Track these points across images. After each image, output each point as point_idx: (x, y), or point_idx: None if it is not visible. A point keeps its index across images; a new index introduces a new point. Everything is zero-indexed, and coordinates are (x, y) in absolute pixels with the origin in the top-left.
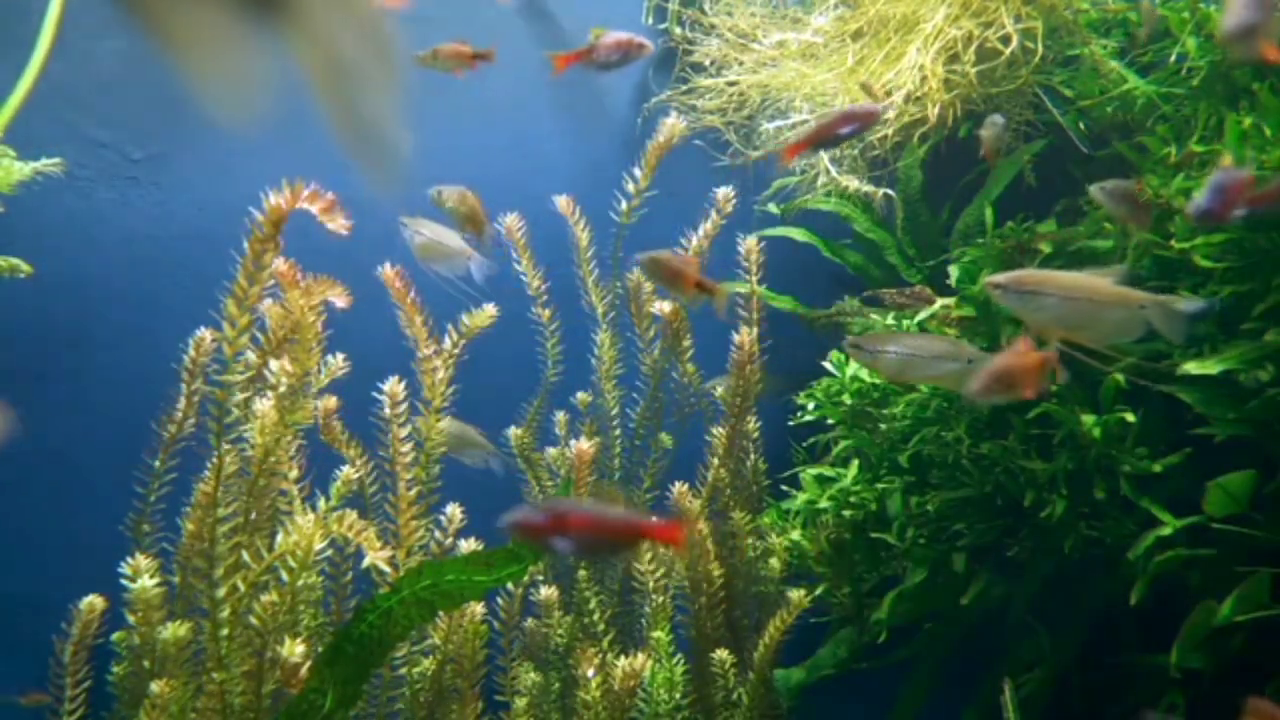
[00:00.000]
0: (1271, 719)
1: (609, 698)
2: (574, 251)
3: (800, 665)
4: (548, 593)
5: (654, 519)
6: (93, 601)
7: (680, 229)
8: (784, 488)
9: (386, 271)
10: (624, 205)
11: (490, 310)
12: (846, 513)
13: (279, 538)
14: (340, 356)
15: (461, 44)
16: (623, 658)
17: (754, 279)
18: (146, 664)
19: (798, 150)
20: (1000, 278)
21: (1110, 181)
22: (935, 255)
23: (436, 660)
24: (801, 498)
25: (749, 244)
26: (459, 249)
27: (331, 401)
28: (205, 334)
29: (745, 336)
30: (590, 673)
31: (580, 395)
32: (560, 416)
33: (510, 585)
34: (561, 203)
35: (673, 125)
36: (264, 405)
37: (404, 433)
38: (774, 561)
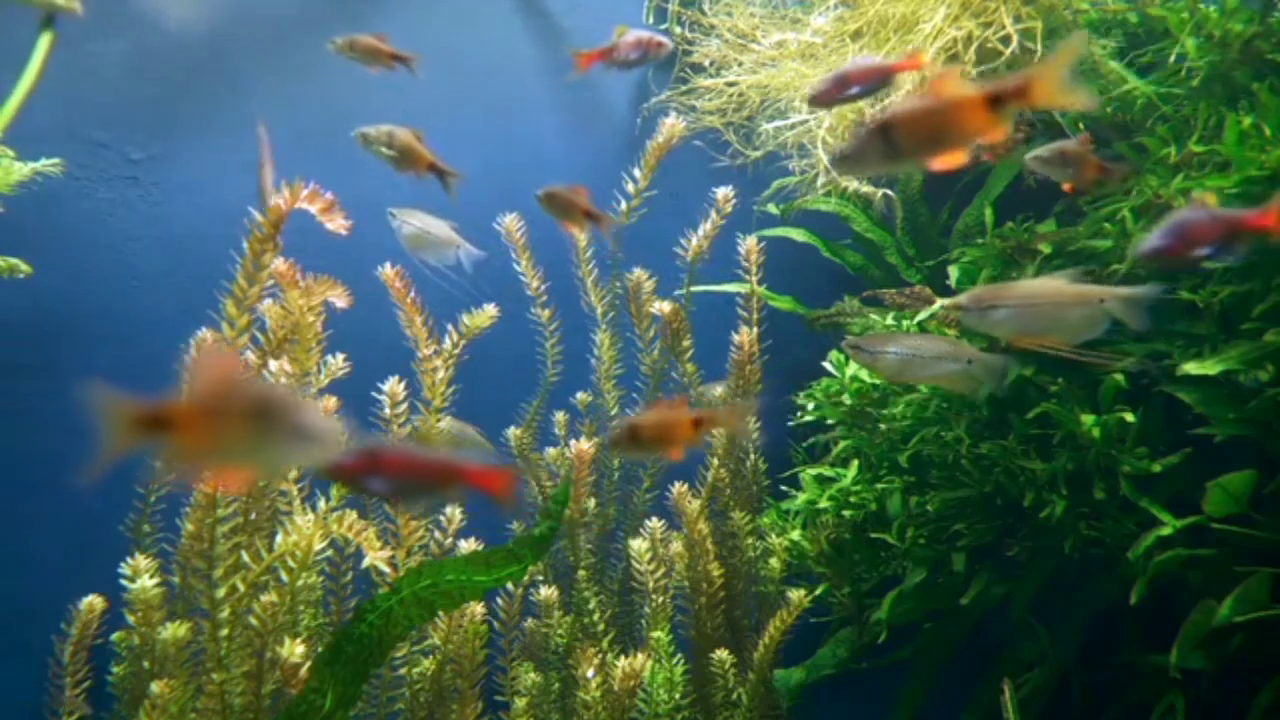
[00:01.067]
0: None
1: (609, 698)
2: (573, 252)
3: (800, 665)
4: (548, 593)
5: (479, 464)
6: (92, 602)
7: (680, 229)
8: (784, 488)
9: (386, 271)
10: (624, 205)
11: (490, 310)
12: (846, 513)
13: (279, 538)
14: (340, 356)
15: (380, 39)
16: (623, 658)
17: (754, 279)
18: (146, 664)
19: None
20: (959, 299)
21: (1044, 147)
22: (935, 255)
23: (436, 660)
24: (801, 498)
25: (749, 244)
26: (448, 238)
27: (331, 401)
28: (206, 334)
29: (745, 336)
30: (590, 673)
31: (580, 395)
32: (560, 416)
33: (510, 585)
34: None
35: (672, 125)
36: None
37: (404, 432)
38: (774, 561)
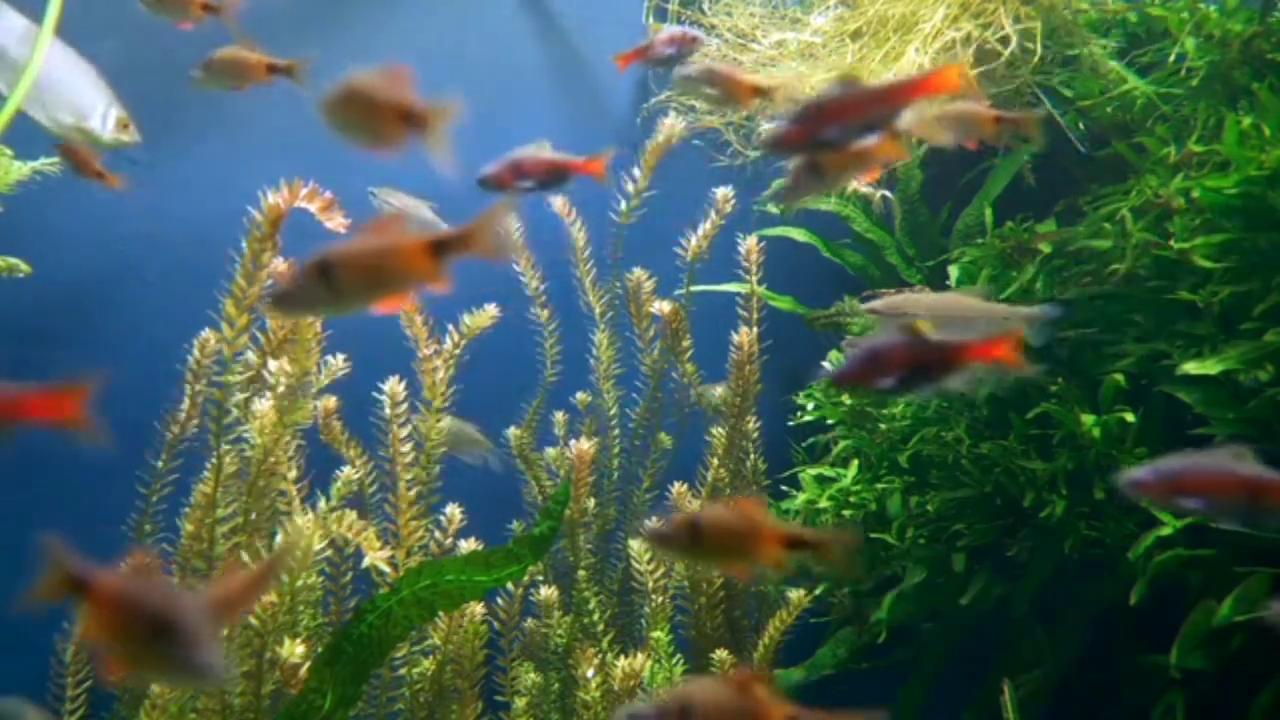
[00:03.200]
0: None
1: (609, 698)
2: (572, 252)
3: (800, 665)
4: (547, 593)
5: None
6: None
7: (679, 228)
8: (784, 488)
9: None
10: (623, 205)
11: (491, 311)
12: (846, 513)
13: (278, 538)
14: (340, 357)
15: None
16: (622, 658)
17: (754, 279)
18: None
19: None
20: (876, 303)
21: (693, 65)
22: (935, 255)
23: (436, 660)
24: (801, 498)
25: (749, 244)
26: (429, 220)
27: (331, 401)
28: (209, 335)
29: (745, 336)
30: (590, 673)
31: (579, 395)
32: (559, 416)
33: (510, 585)
34: (558, 203)
35: (672, 125)
36: (263, 405)
37: (404, 433)
38: None
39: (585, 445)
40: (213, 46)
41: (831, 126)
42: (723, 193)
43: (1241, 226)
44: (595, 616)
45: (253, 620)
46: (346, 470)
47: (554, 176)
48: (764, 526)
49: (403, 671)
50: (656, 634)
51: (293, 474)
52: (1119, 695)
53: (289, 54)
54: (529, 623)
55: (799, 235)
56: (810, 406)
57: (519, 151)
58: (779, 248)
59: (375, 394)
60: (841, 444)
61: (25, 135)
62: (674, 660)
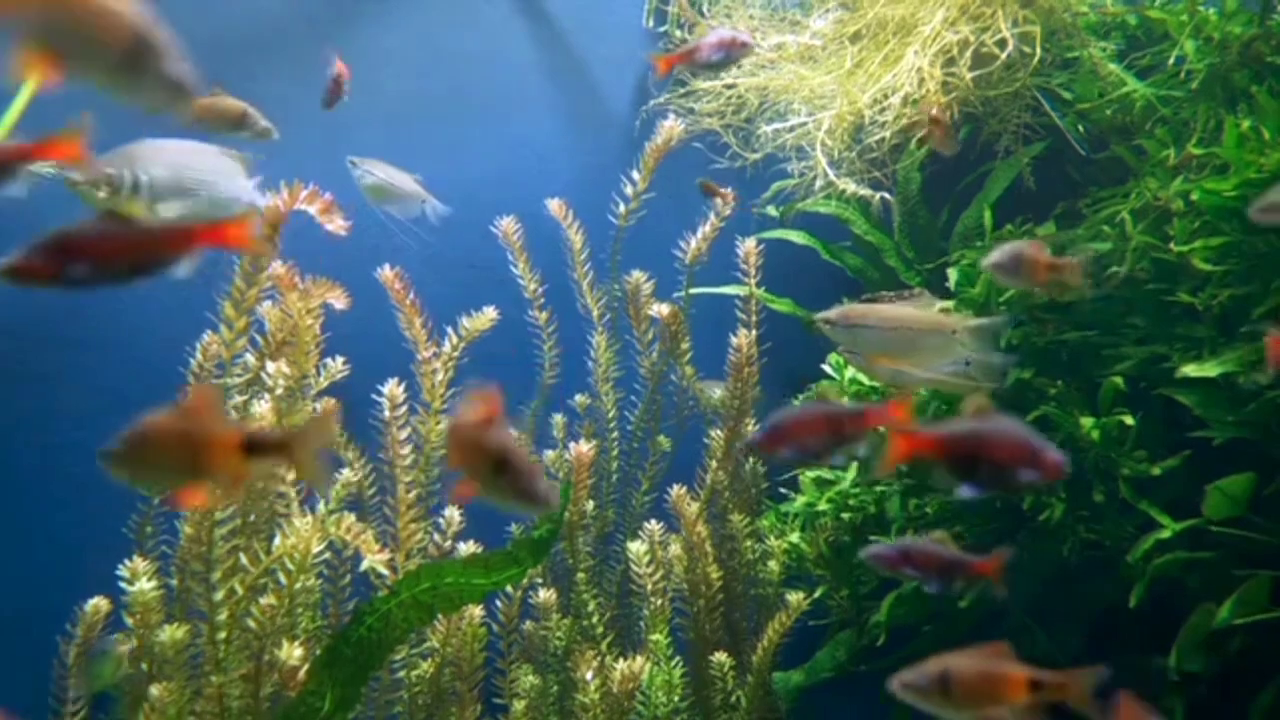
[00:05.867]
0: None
1: (607, 700)
2: (568, 254)
3: (799, 668)
4: (546, 595)
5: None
6: (97, 604)
7: (679, 231)
8: (783, 490)
9: (386, 273)
10: (622, 208)
11: (490, 313)
12: (845, 515)
13: (277, 540)
14: (339, 359)
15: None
16: (621, 660)
17: (753, 281)
18: (145, 666)
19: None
20: (829, 313)
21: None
22: (934, 258)
23: (435, 663)
24: (800, 500)
25: (748, 246)
26: (412, 191)
27: (330, 404)
28: (211, 339)
29: (743, 339)
30: (589, 675)
31: (578, 398)
32: (558, 419)
33: (509, 588)
34: (554, 205)
35: (671, 128)
36: (262, 407)
37: (403, 435)
38: (773, 564)
39: (584, 448)
40: (210, 47)
41: (792, 444)
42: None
43: (1241, 229)
44: (594, 619)
45: (251, 623)
46: (345, 473)
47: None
48: (1010, 676)
49: (401, 674)
50: (655, 636)
51: (291, 476)
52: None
53: (289, 56)
54: (528, 625)
55: (798, 238)
56: None
57: None
58: (778, 250)
59: (374, 396)
60: None
61: (24, 135)
62: (673, 663)
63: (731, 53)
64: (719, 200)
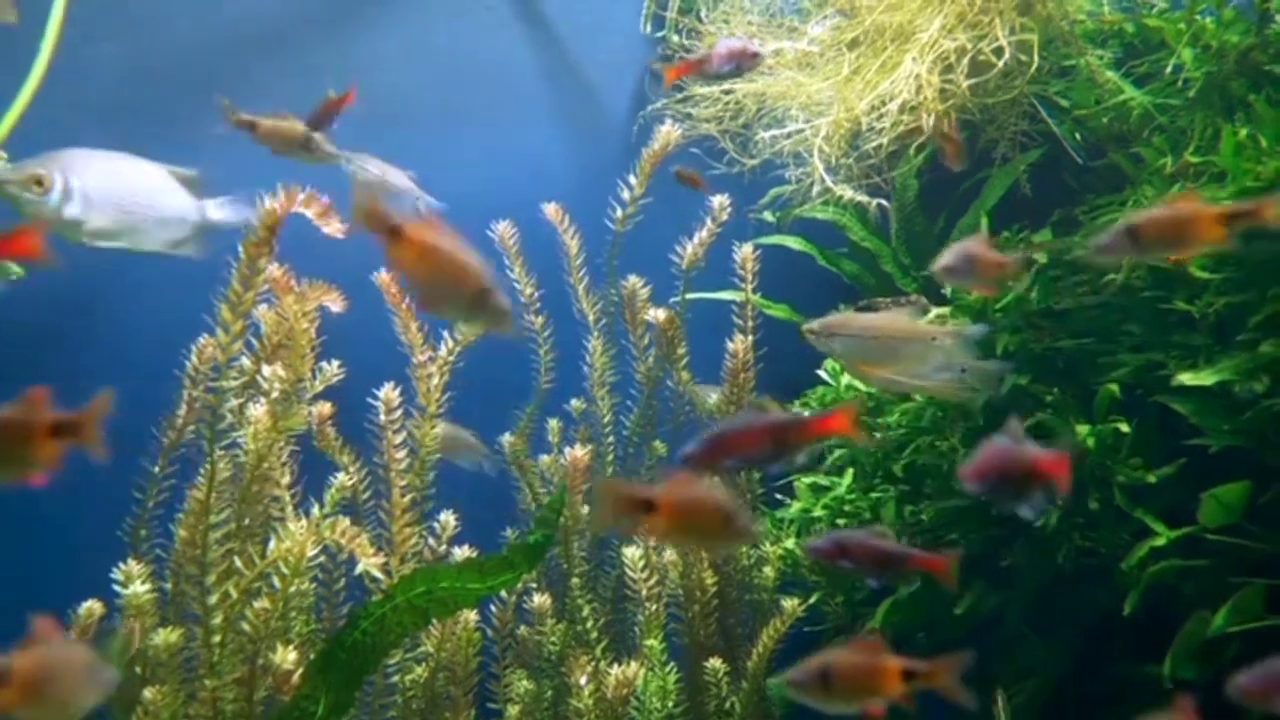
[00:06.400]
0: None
1: (602, 706)
2: (564, 259)
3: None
4: (541, 600)
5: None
6: (91, 607)
7: (676, 236)
8: (778, 496)
9: (382, 277)
10: (619, 213)
11: None
12: (841, 521)
13: (272, 544)
14: (335, 363)
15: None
16: (616, 665)
17: (749, 287)
18: (138, 670)
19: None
20: (812, 324)
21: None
22: (931, 264)
23: (430, 668)
24: (796, 506)
25: (744, 252)
26: (405, 187)
27: (325, 407)
28: (207, 342)
29: (740, 344)
30: (583, 680)
31: (574, 402)
32: (553, 424)
33: (504, 593)
34: (550, 210)
35: (668, 133)
36: (257, 411)
37: (399, 439)
38: (768, 570)
39: (579, 452)
40: (210, 49)
41: (733, 455)
42: (718, 201)
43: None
44: (589, 624)
45: (246, 626)
46: (340, 476)
47: None
48: (881, 665)
49: (396, 678)
50: (650, 642)
51: (286, 480)
52: (1113, 705)
53: (289, 59)
54: (522, 630)
55: (795, 244)
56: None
57: None
58: (775, 256)
59: (370, 400)
60: (836, 452)
61: (23, 136)
62: (667, 668)
63: (742, 64)
64: (695, 187)
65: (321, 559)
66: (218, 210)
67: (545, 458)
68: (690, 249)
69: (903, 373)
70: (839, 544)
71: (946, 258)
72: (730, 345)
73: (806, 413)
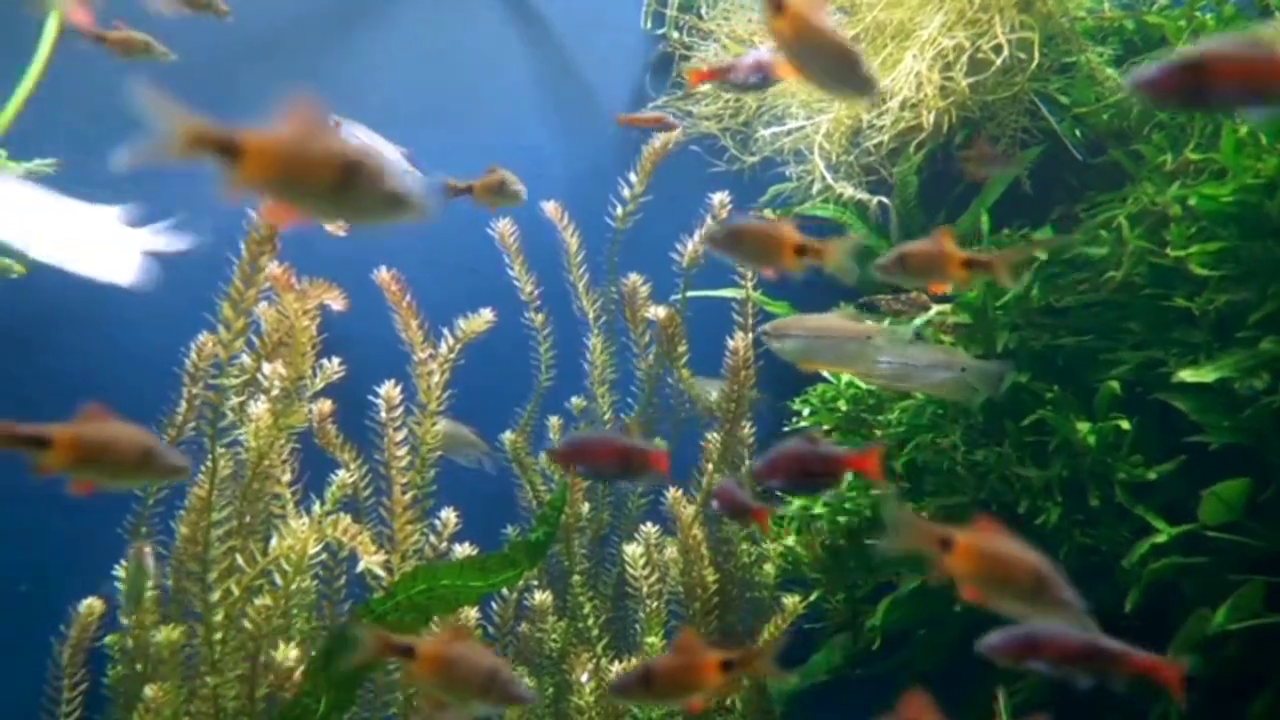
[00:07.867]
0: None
1: (603, 703)
2: (564, 257)
3: (794, 671)
4: (542, 598)
5: None
6: (91, 604)
7: (676, 234)
8: (778, 493)
9: (383, 275)
10: (619, 210)
11: (487, 315)
12: (841, 519)
13: (273, 541)
14: (335, 360)
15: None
16: (616, 663)
17: (749, 284)
18: (140, 667)
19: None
20: (766, 326)
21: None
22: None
23: None
24: (796, 504)
25: None
26: (395, 158)
27: (326, 405)
28: (207, 339)
29: (740, 342)
30: (584, 678)
31: (574, 400)
32: (554, 421)
33: (505, 590)
34: (550, 208)
35: (668, 135)
36: (258, 409)
37: (399, 437)
38: (768, 567)
39: None
40: (209, 47)
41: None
42: (719, 198)
43: (1237, 234)
44: (590, 621)
45: (247, 624)
46: (341, 474)
47: None
48: (701, 660)
49: (397, 675)
50: (651, 639)
51: (287, 477)
52: (1114, 703)
53: (287, 60)
54: (523, 627)
55: None
56: (806, 412)
57: None
58: None
59: (370, 398)
60: None
61: (22, 136)
62: None
63: (768, 76)
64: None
65: (323, 556)
66: (153, 239)
67: (545, 455)
68: (690, 246)
69: (841, 366)
70: (771, 464)
71: (883, 258)
72: (730, 343)
73: (839, 449)
